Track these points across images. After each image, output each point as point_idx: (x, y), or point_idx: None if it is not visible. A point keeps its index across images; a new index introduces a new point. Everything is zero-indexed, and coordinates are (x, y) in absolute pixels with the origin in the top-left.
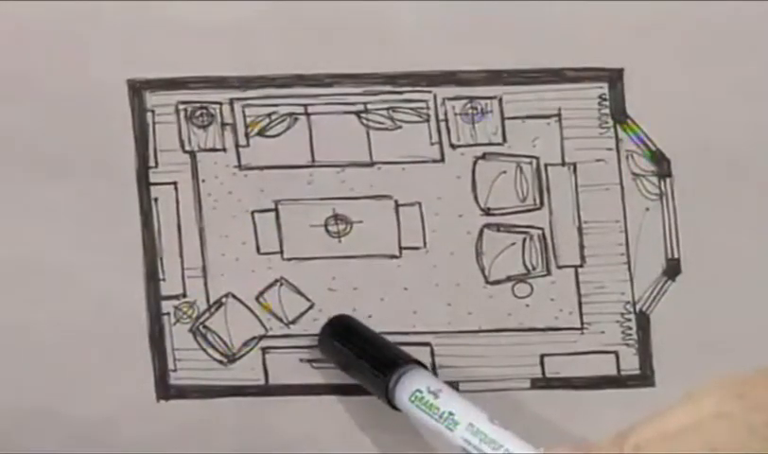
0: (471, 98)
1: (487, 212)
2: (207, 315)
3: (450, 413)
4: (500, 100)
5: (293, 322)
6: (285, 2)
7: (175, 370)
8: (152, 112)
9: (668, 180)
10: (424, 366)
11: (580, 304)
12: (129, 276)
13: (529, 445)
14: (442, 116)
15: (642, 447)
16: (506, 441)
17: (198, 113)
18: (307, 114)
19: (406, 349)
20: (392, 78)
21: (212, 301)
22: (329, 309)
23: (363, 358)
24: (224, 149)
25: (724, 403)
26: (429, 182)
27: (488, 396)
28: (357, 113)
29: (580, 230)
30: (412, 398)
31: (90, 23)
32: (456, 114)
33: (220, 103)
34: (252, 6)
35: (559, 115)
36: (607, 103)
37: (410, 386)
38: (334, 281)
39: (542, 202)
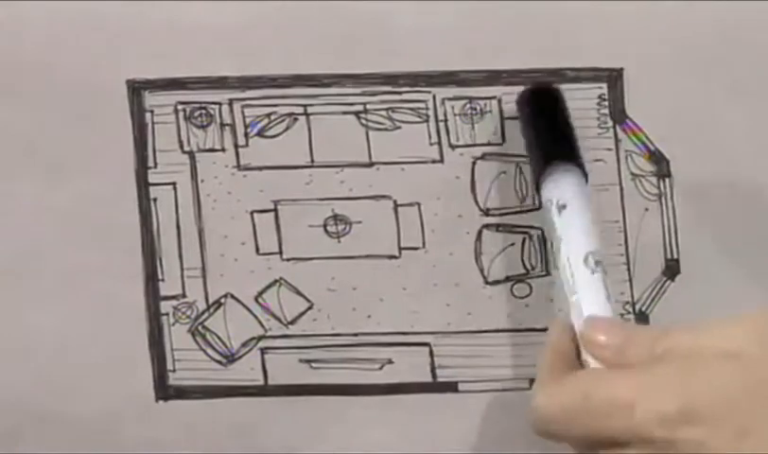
0: (470, 99)
1: (486, 212)
2: (206, 315)
3: (560, 239)
4: (500, 101)
5: (292, 322)
6: (284, 2)
7: (174, 370)
8: (151, 112)
9: (667, 180)
10: (580, 166)
11: None
12: (128, 276)
13: (605, 301)
14: (441, 117)
15: (669, 355)
16: (582, 288)
17: (197, 113)
18: (307, 115)
19: (404, 349)
20: (391, 79)
21: (211, 301)
22: (328, 310)
23: (537, 139)
24: (223, 150)
25: (749, 345)
26: (429, 182)
27: (488, 396)
28: (357, 114)
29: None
30: (544, 205)
31: (89, 23)
32: (455, 115)
33: (220, 103)
34: (251, 6)
35: None
36: (607, 103)
37: (549, 191)
38: (333, 281)
39: (541, 203)
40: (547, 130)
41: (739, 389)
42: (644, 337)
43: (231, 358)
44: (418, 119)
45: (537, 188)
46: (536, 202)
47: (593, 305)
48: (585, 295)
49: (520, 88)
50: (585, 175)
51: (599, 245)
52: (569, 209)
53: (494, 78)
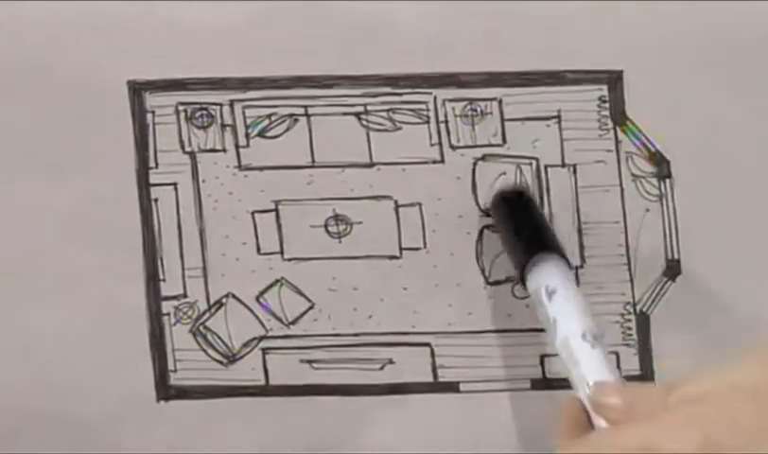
0: (471, 100)
1: (487, 213)
2: (207, 315)
3: (555, 321)
4: (500, 102)
5: (293, 322)
6: (285, 3)
7: (175, 370)
8: (152, 113)
9: (667, 181)
10: (563, 256)
11: None
12: (129, 277)
13: (610, 371)
14: (442, 118)
15: (681, 401)
16: (585, 362)
17: (198, 113)
18: (307, 116)
19: (406, 349)
20: (391, 80)
21: (212, 301)
22: (329, 310)
23: (516, 235)
24: (224, 150)
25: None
26: (429, 183)
27: (488, 396)
28: (357, 115)
29: (580, 231)
30: (534, 294)
31: (90, 23)
32: (456, 116)
33: (220, 104)
34: (251, 7)
35: (559, 117)
36: (607, 105)
37: (536, 280)
38: (334, 281)
39: (542, 203)
40: (525, 226)
41: (757, 421)
42: (653, 393)
43: (232, 359)
44: (419, 120)
45: (522, 279)
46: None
47: (597, 374)
48: (588, 367)
49: (520, 90)
50: (568, 262)
51: (593, 322)
52: (559, 293)
53: (494, 79)
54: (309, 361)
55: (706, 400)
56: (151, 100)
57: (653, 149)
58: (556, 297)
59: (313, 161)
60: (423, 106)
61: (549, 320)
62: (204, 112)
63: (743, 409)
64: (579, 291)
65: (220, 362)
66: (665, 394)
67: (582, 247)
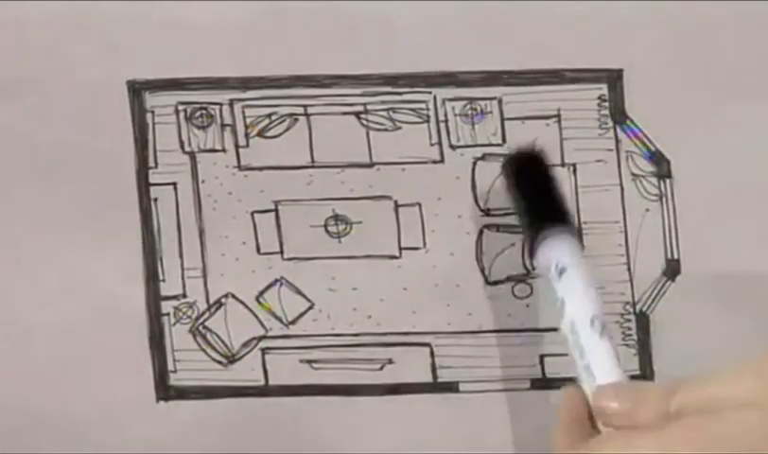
0: (471, 99)
1: (487, 212)
2: (207, 315)
3: (563, 302)
4: (500, 101)
5: (293, 322)
6: (284, 3)
7: (175, 371)
8: (152, 112)
9: (667, 180)
10: (572, 232)
11: None
12: (129, 277)
13: (615, 365)
14: (441, 117)
15: (686, 411)
16: (592, 353)
17: (197, 113)
18: (307, 115)
19: (405, 350)
20: (391, 79)
21: (212, 301)
22: (329, 310)
23: (528, 203)
24: (224, 150)
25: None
26: (429, 182)
27: (488, 396)
28: (357, 114)
29: (579, 230)
30: (543, 268)
31: (90, 23)
32: (456, 115)
33: (220, 104)
34: (251, 6)
35: (559, 116)
36: (607, 104)
37: (545, 256)
38: (334, 281)
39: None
40: (537, 194)
41: (759, 437)
42: (654, 396)
43: (231, 359)
44: (418, 120)
45: (531, 253)
46: None
47: (604, 371)
48: (596, 360)
49: (520, 89)
50: (579, 238)
51: (601, 308)
52: (570, 272)
53: (494, 78)
54: (309, 361)
55: (710, 414)
56: (151, 100)
57: (653, 149)
58: (566, 276)
59: (313, 161)
60: (422, 105)
61: (557, 299)
62: (204, 111)
63: (747, 426)
64: (588, 272)
65: (220, 362)
66: (666, 398)
67: (581, 246)
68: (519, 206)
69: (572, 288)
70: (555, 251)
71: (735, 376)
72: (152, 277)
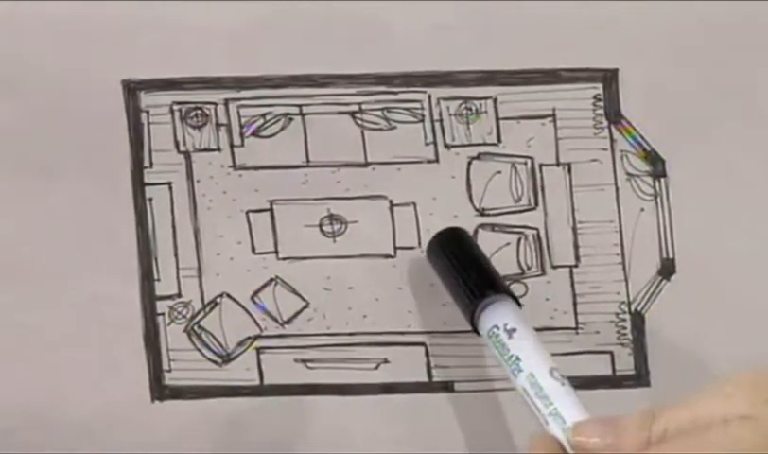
0: (466, 99)
1: (482, 212)
2: (202, 315)
3: (517, 358)
4: (495, 101)
5: (288, 321)
6: (280, 3)
7: (170, 370)
8: (147, 112)
9: (662, 180)
10: (514, 298)
11: (575, 304)
12: (124, 276)
13: (583, 409)
14: (436, 117)
15: (669, 434)
16: (557, 399)
17: (192, 113)
18: (302, 115)
19: (400, 349)
20: (386, 79)
21: (207, 301)
22: (324, 309)
23: (460, 277)
24: (219, 150)
25: (754, 406)
26: (424, 182)
27: (484, 396)
28: (352, 114)
29: (575, 230)
30: (489, 334)
31: (85, 23)
32: (450, 115)
33: (215, 103)
34: (247, 7)
35: (554, 116)
36: (602, 103)
37: (491, 320)
38: (329, 281)
39: (537, 203)
40: (469, 267)
41: (750, 447)
42: (634, 425)
43: (226, 358)
44: (413, 119)
45: (472, 321)
46: (532, 202)
47: (574, 413)
48: (563, 405)
49: (515, 88)
50: (517, 301)
51: (553, 361)
52: (520, 332)
53: (489, 78)
54: (304, 361)
55: (698, 432)
56: (146, 100)
57: (647, 148)
58: (516, 335)
59: (308, 160)
60: (417, 105)
61: (511, 357)
62: (199, 111)
63: (738, 439)
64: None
65: (215, 362)
66: (646, 425)
67: (576, 246)
68: (453, 284)
69: (526, 346)
70: (499, 314)
71: (720, 394)
72: (147, 277)
